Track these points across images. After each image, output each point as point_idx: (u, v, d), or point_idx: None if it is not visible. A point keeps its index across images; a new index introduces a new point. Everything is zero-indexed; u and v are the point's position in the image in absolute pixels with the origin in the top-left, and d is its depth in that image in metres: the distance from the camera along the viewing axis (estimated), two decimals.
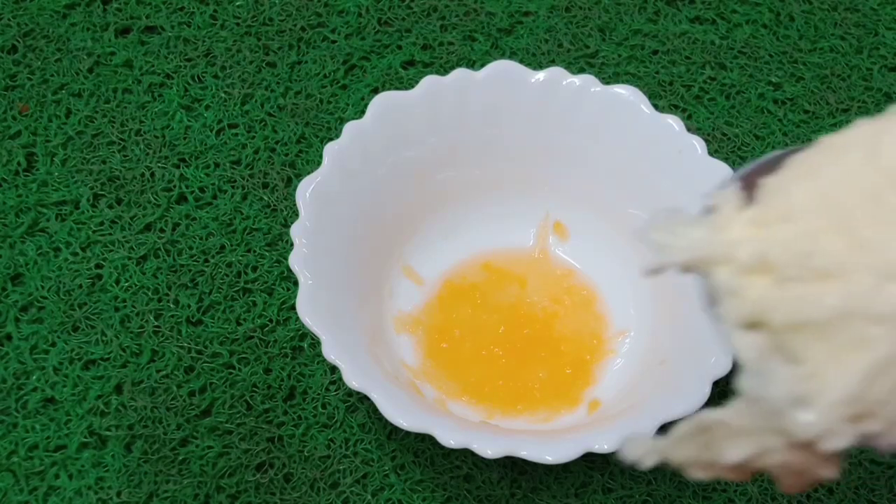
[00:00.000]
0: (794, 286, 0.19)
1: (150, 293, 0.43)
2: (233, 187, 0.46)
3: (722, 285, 0.21)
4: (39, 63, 0.48)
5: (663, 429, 0.36)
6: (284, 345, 0.42)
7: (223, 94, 0.48)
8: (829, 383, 0.18)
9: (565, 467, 0.40)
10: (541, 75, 0.42)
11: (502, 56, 0.49)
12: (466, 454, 0.40)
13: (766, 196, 0.21)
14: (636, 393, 0.39)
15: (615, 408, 0.39)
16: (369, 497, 0.40)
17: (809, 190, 0.20)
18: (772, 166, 0.22)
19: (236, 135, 0.47)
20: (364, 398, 0.41)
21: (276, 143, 0.47)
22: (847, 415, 0.18)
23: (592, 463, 0.40)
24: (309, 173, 0.40)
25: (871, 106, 0.49)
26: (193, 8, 0.50)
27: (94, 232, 0.44)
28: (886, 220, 0.19)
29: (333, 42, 0.49)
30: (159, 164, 0.46)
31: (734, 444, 0.19)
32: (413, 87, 0.42)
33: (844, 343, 0.18)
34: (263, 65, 0.49)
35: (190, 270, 0.44)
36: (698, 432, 0.20)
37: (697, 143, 0.41)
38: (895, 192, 0.19)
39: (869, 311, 0.18)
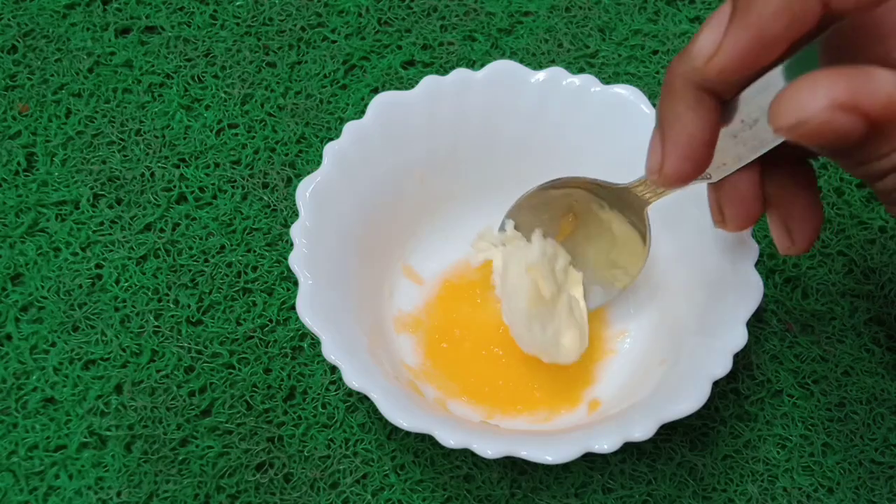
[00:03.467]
0: (507, 275, 0.39)
1: (150, 293, 0.43)
2: (233, 187, 0.46)
3: (498, 269, 0.41)
4: (39, 63, 0.48)
5: (664, 428, 0.36)
6: (284, 345, 0.42)
7: (223, 94, 0.48)
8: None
9: (565, 467, 0.40)
10: (541, 75, 0.42)
11: (502, 56, 0.49)
12: (466, 454, 0.40)
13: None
14: (636, 393, 0.39)
15: (615, 408, 0.39)
16: (369, 497, 0.40)
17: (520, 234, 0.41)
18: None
19: (236, 135, 0.47)
20: (364, 398, 0.41)
21: (276, 143, 0.47)
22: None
23: (592, 463, 0.40)
24: (309, 173, 0.40)
25: None
26: (193, 8, 0.50)
27: (94, 232, 0.44)
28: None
29: (333, 42, 0.49)
30: (159, 164, 0.46)
31: None
32: (413, 87, 0.42)
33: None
34: (263, 65, 0.49)
35: (190, 270, 0.44)
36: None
37: None
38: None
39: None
